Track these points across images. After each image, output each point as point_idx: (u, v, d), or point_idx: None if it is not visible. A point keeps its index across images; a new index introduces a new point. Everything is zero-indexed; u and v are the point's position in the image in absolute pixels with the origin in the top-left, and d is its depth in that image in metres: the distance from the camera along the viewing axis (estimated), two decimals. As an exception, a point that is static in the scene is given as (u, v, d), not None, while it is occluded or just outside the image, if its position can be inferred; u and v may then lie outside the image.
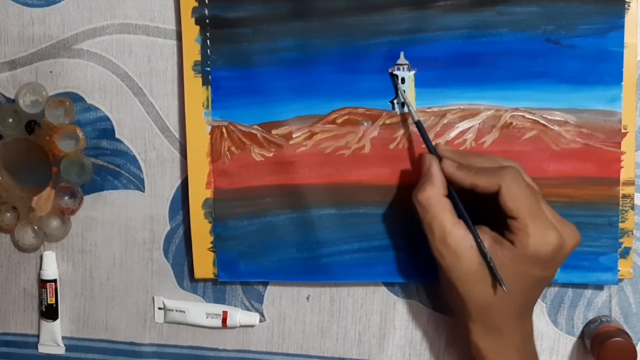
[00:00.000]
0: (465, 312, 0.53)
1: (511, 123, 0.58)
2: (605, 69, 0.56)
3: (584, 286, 0.61)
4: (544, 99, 0.57)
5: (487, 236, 0.52)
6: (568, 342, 0.62)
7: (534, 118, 0.58)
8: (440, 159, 0.54)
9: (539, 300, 0.60)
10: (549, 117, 0.57)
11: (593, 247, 0.58)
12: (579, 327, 0.61)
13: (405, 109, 0.59)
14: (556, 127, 0.57)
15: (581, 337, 0.61)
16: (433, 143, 0.57)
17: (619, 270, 0.58)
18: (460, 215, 0.52)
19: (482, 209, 0.53)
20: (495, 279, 0.51)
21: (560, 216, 0.52)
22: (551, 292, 0.61)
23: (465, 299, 0.52)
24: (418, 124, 0.56)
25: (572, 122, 0.57)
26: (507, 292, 0.51)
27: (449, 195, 0.53)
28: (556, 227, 0.51)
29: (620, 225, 0.58)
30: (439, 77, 0.58)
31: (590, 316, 0.61)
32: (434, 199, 0.52)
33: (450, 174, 0.53)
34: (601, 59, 0.56)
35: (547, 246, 0.50)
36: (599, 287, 0.60)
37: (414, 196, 0.53)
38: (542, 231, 0.50)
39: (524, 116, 0.58)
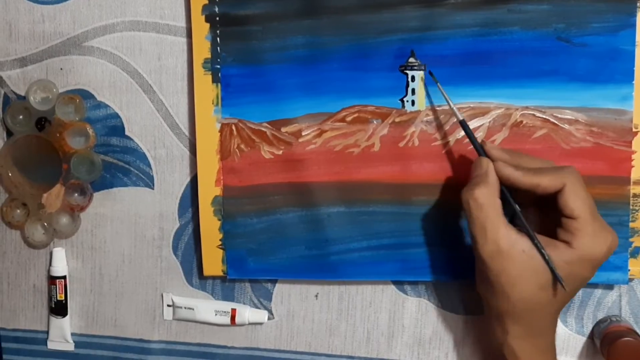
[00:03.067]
0: (508, 314, 0.52)
1: (521, 121, 0.58)
2: (616, 68, 0.56)
3: (594, 285, 0.60)
4: (554, 98, 0.57)
5: (542, 242, 0.51)
6: (578, 342, 0.61)
7: (544, 116, 0.57)
8: (491, 159, 0.53)
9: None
10: (559, 115, 0.57)
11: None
12: (588, 326, 0.61)
13: (416, 108, 0.59)
14: (566, 126, 0.57)
15: (591, 336, 0.61)
16: (478, 141, 0.55)
17: (629, 270, 0.58)
18: (511, 219, 0.52)
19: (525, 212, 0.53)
20: (556, 279, 0.50)
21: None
22: (561, 291, 0.61)
23: (514, 301, 0.51)
24: (463, 124, 0.55)
25: (583, 121, 0.57)
26: (556, 293, 0.51)
27: (502, 199, 0.52)
28: (607, 233, 0.51)
29: (631, 224, 0.58)
30: (449, 75, 0.58)
31: (600, 316, 0.61)
32: (490, 200, 0.51)
33: (507, 175, 0.52)
34: (612, 57, 0.56)
35: (603, 248, 0.50)
36: (609, 286, 0.60)
37: (467, 194, 0.52)
38: (600, 233, 0.50)
39: (534, 115, 0.57)
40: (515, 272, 0.50)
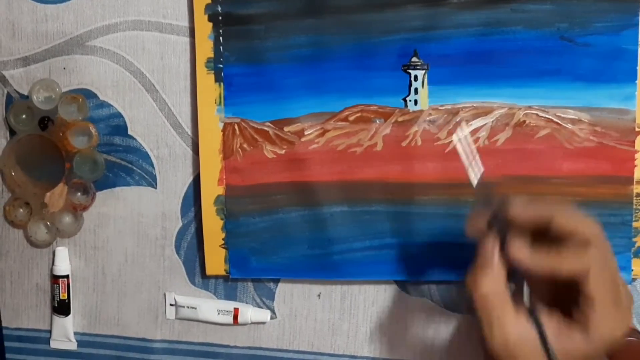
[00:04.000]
0: None
1: (524, 121, 0.58)
2: (619, 67, 0.56)
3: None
4: (557, 97, 0.57)
5: (553, 324, 0.46)
6: (580, 342, 0.61)
7: (547, 116, 0.57)
8: (503, 232, 0.47)
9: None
10: (562, 115, 0.57)
11: (607, 246, 0.58)
12: None
13: (418, 107, 0.59)
14: (570, 126, 0.57)
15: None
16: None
17: (632, 270, 0.58)
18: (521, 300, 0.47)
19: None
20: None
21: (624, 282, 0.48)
22: (563, 291, 0.61)
23: None
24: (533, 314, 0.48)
25: (586, 121, 0.57)
26: None
27: (512, 278, 0.47)
28: (627, 304, 0.47)
29: (634, 224, 0.57)
30: (452, 74, 0.58)
31: (603, 315, 0.61)
32: (494, 295, 0.46)
33: (520, 260, 0.46)
34: (615, 57, 0.56)
35: (621, 333, 0.46)
36: (612, 286, 0.60)
37: (470, 283, 0.47)
38: (620, 323, 0.46)
39: (537, 114, 0.57)
40: None
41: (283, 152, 0.61)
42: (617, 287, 0.46)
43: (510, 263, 0.46)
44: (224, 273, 0.64)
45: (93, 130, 0.64)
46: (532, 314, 0.46)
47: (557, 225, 0.46)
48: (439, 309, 0.63)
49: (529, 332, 0.46)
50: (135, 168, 0.65)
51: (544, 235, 0.47)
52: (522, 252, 0.46)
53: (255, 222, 0.62)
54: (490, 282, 0.46)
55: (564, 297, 0.47)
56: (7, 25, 0.65)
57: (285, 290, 0.65)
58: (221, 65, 0.61)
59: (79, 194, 0.65)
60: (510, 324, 0.46)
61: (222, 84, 0.61)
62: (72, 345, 0.69)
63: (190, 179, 0.64)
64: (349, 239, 0.61)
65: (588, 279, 0.45)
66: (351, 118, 0.60)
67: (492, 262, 0.47)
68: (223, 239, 0.63)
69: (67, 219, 0.66)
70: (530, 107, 0.57)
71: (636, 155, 0.57)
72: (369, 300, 0.64)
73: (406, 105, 0.59)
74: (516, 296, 0.47)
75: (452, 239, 0.60)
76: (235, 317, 0.65)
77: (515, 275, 0.47)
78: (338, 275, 0.62)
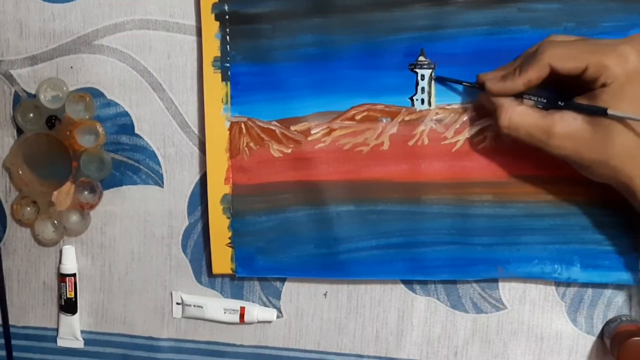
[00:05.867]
0: (623, 179, 0.51)
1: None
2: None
3: (604, 285, 0.60)
4: (564, 96, 0.57)
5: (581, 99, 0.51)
6: (587, 342, 0.61)
7: (554, 115, 0.57)
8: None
9: (557, 299, 0.60)
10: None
11: (614, 247, 0.57)
12: (598, 326, 0.61)
13: (425, 106, 0.59)
14: (577, 125, 0.57)
15: (601, 336, 0.61)
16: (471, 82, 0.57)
17: (639, 270, 0.58)
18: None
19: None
20: (596, 111, 0.49)
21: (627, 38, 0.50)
22: (571, 291, 0.61)
23: (611, 162, 0.50)
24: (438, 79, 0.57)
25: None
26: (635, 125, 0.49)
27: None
28: (626, 42, 0.49)
29: (641, 224, 0.57)
30: (459, 73, 0.57)
31: (610, 315, 0.60)
32: (515, 114, 0.52)
33: (498, 90, 0.53)
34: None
35: (631, 62, 0.49)
36: (619, 286, 0.60)
37: (501, 128, 0.53)
38: (615, 54, 0.49)
39: (544, 113, 0.57)
40: (588, 138, 0.50)
41: (289, 151, 0.61)
42: (592, 43, 0.51)
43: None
44: (230, 272, 0.64)
45: (100, 129, 0.64)
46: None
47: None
48: (445, 308, 0.63)
49: (569, 117, 0.50)
50: (142, 167, 0.65)
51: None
52: (496, 85, 0.53)
53: (261, 221, 0.62)
54: (507, 111, 0.52)
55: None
56: (15, 24, 0.65)
57: (291, 290, 0.65)
58: (228, 64, 0.61)
59: (86, 192, 0.65)
60: (543, 121, 0.51)
61: (228, 83, 0.61)
62: (79, 344, 0.69)
63: (197, 177, 0.65)
64: (355, 238, 0.61)
65: (556, 66, 0.50)
66: (358, 117, 0.60)
67: (499, 102, 0.53)
68: (229, 238, 0.63)
69: (74, 217, 0.66)
70: (537, 107, 0.57)
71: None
72: (375, 300, 0.64)
73: (413, 105, 0.59)
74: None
75: (459, 238, 0.60)
76: (242, 316, 0.65)
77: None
78: (344, 275, 0.62)
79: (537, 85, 0.52)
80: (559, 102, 0.51)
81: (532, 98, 0.53)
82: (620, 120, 0.49)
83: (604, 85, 0.49)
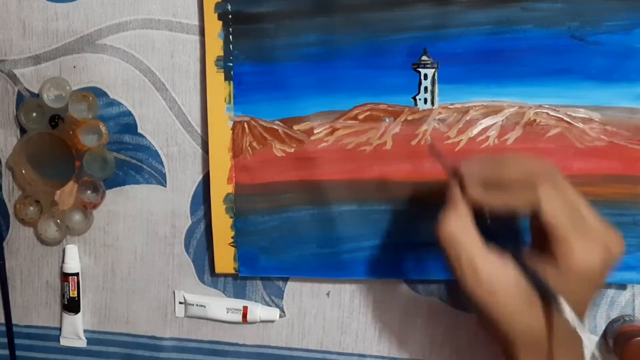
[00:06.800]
0: (512, 349, 0.48)
1: (535, 120, 0.57)
2: (631, 66, 0.56)
3: (607, 285, 0.60)
4: (568, 96, 0.57)
5: (528, 262, 0.47)
6: (590, 342, 0.61)
7: (558, 115, 0.57)
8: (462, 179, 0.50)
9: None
10: (573, 114, 0.57)
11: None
12: (601, 326, 0.61)
13: (428, 106, 0.59)
14: (580, 125, 0.57)
15: (604, 336, 0.61)
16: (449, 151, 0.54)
17: (643, 270, 0.58)
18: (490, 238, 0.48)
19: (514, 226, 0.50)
20: (547, 295, 0.45)
21: (602, 220, 0.47)
22: (573, 290, 0.61)
23: (511, 335, 0.47)
24: (431, 147, 0.56)
25: (597, 120, 0.57)
26: (557, 322, 0.46)
27: (478, 219, 0.49)
28: (601, 237, 0.46)
29: (645, 223, 0.57)
30: (462, 73, 0.57)
31: (613, 315, 0.60)
32: (459, 230, 0.47)
33: (476, 200, 0.48)
34: (626, 55, 0.56)
35: (594, 263, 0.46)
36: (622, 286, 0.60)
37: (438, 229, 0.48)
38: (587, 247, 0.46)
39: (547, 113, 0.57)
40: (504, 302, 0.46)
41: (292, 150, 0.61)
42: (580, 218, 0.46)
43: (472, 206, 0.48)
44: (233, 271, 0.64)
45: (103, 128, 0.64)
46: (511, 251, 0.47)
47: (508, 175, 0.48)
48: (448, 308, 0.63)
49: (502, 270, 0.46)
50: (144, 166, 0.65)
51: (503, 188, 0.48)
52: (477, 193, 0.48)
53: (264, 221, 0.62)
54: (456, 223, 0.47)
55: (539, 243, 0.48)
56: (18, 23, 0.65)
57: (294, 289, 0.65)
58: (231, 64, 0.61)
59: (89, 192, 0.65)
60: (479, 260, 0.46)
61: (231, 82, 0.61)
62: (82, 343, 0.70)
63: (200, 177, 0.65)
64: (358, 238, 0.61)
65: (542, 210, 0.46)
66: (361, 117, 0.60)
67: (456, 203, 0.48)
68: (232, 237, 0.63)
69: (77, 216, 0.66)
70: (540, 106, 0.57)
71: (647, 155, 0.56)
72: (378, 299, 0.64)
73: (416, 104, 0.59)
74: (490, 242, 0.48)
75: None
76: (244, 315, 0.65)
77: (484, 221, 0.49)
78: (347, 274, 0.62)
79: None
80: (510, 249, 0.47)
81: (490, 224, 0.49)
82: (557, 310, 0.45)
83: (554, 260, 0.46)
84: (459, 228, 0.48)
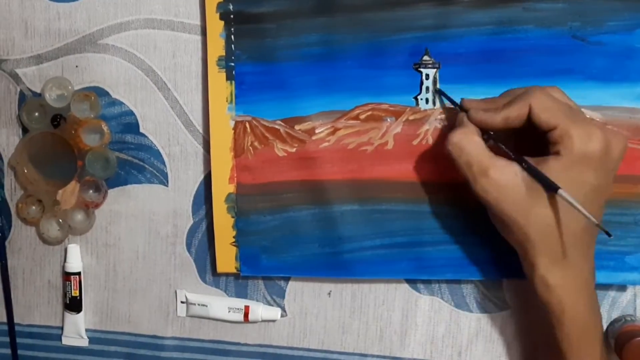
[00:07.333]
0: (527, 246, 0.51)
1: (536, 120, 0.57)
2: (632, 66, 0.56)
3: (608, 286, 0.60)
4: (569, 96, 0.57)
5: (530, 160, 0.50)
6: (591, 341, 0.61)
7: (559, 115, 0.57)
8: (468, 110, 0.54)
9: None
10: (574, 114, 0.57)
11: (619, 247, 0.57)
12: (603, 326, 0.60)
13: (430, 106, 0.59)
14: (582, 124, 0.57)
15: (605, 336, 0.61)
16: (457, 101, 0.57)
17: (644, 270, 0.58)
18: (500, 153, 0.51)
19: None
20: (548, 185, 0.48)
21: (603, 124, 0.51)
22: (575, 290, 0.61)
23: (524, 228, 0.50)
24: (440, 91, 0.58)
25: (598, 119, 0.57)
26: (566, 210, 0.48)
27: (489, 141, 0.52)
28: (599, 127, 0.49)
29: (646, 223, 0.57)
30: (464, 73, 0.57)
31: (615, 315, 0.60)
32: (467, 139, 0.51)
33: (479, 120, 0.52)
34: (628, 56, 0.56)
35: (593, 144, 0.48)
36: (623, 286, 0.60)
37: (447, 142, 0.52)
38: (585, 131, 0.48)
39: (549, 113, 0.57)
40: (513, 196, 0.50)
41: (294, 150, 0.61)
42: (576, 112, 0.51)
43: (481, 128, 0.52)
44: (234, 271, 0.64)
45: (105, 128, 0.64)
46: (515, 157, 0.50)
47: (504, 99, 0.53)
48: (449, 307, 0.63)
49: (508, 167, 0.50)
50: (146, 166, 0.65)
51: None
52: (479, 114, 0.52)
53: (266, 220, 0.62)
54: (462, 136, 0.52)
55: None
56: (20, 23, 0.65)
57: (295, 289, 0.65)
58: (232, 64, 0.61)
59: (91, 191, 0.65)
60: (486, 159, 0.50)
61: (233, 82, 0.61)
62: (84, 342, 0.70)
63: (202, 177, 0.65)
64: (359, 238, 0.61)
65: (533, 113, 0.50)
66: (362, 116, 0.60)
67: (462, 123, 0.53)
68: (234, 237, 0.63)
69: (79, 216, 0.66)
70: (542, 106, 0.57)
71: (648, 155, 0.57)
72: (379, 299, 0.64)
73: (417, 104, 0.59)
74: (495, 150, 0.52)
75: (463, 237, 0.60)
76: (246, 314, 0.65)
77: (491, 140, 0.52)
78: (348, 274, 0.62)
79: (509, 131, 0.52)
80: (512, 155, 0.51)
81: (495, 142, 0.52)
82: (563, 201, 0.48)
83: (557, 153, 0.49)
84: (466, 139, 0.52)
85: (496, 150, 0.52)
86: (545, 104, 0.50)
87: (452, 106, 0.57)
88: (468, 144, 0.51)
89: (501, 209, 0.51)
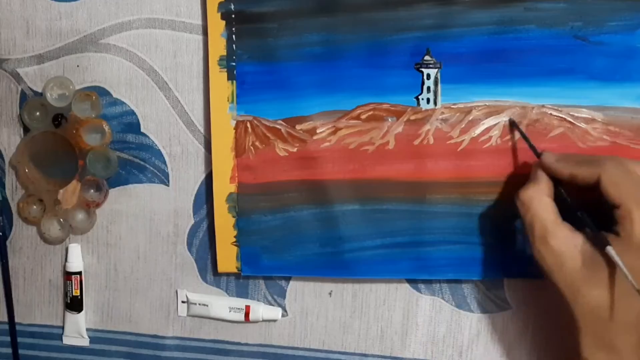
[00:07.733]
0: (573, 322, 0.49)
1: (537, 120, 0.57)
2: (634, 66, 0.56)
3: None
4: (571, 96, 0.57)
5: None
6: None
7: (560, 115, 0.57)
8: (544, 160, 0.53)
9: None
10: (575, 114, 0.57)
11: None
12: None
13: (431, 105, 0.59)
14: (583, 125, 0.57)
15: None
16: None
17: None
18: (567, 215, 0.50)
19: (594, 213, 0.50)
20: (599, 240, 0.47)
21: None
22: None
23: (572, 304, 0.48)
24: (513, 123, 0.57)
25: (600, 120, 0.57)
26: (623, 294, 0.46)
27: (558, 198, 0.51)
28: None
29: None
30: (465, 73, 0.57)
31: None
32: (536, 198, 0.51)
33: (548, 165, 0.52)
34: (629, 55, 0.56)
35: None
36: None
37: (517, 196, 0.52)
38: None
39: (550, 113, 0.57)
40: (568, 269, 0.48)
41: (295, 150, 0.61)
42: None
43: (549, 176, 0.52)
44: (235, 270, 0.64)
45: (106, 127, 0.64)
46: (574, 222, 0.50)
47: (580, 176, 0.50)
48: (450, 307, 0.63)
49: (571, 239, 0.49)
50: (147, 165, 0.65)
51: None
52: (550, 159, 0.52)
53: (267, 220, 0.62)
54: (535, 189, 0.51)
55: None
56: (22, 23, 0.65)
57: (296, 288, 0.65)
58: (234, 63, 0.61)
59: (92, 191, 0.65)
60: (550, 224, 0.49)
61: (234, 82, 0.61)
62: (85, 342, 0.70)
63: (203, 176, 0.65)
64: (360, 238, 0.61)
65: (602, 181, 0.48)
66: (363, 116, 0.60)
67: (539, 176, 0.52)
68: (235, 237, 0.63)
69: (80, 215, 0.66)
70: (543, 106, 0.57)
71: (650, 155, 0.56)
72: (380, 299, 0.64)
73: (419, 104, 0.59)
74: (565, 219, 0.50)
75: (464, 238, 0.60)
76: (247, 314, 0.65)
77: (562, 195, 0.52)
78: (349, 274, 0.62)
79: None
80: (578, 212, 0.50)
81: (560, 192, 0.52)
82: (611, 262, 0.46)
83: (617, 234, 0.47)
84: (536, 196, 0.51)
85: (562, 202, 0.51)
86: (614, 178, 0.48)
87: (527, 145, 0.56)
88: (536, 203, 0.51)
89: (553, 278, 0.49)
